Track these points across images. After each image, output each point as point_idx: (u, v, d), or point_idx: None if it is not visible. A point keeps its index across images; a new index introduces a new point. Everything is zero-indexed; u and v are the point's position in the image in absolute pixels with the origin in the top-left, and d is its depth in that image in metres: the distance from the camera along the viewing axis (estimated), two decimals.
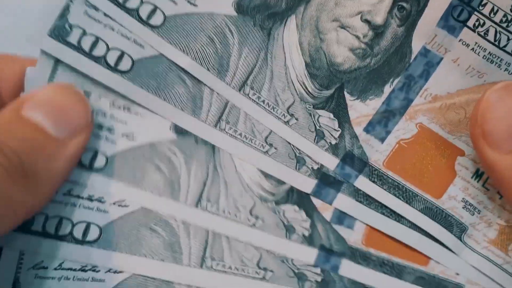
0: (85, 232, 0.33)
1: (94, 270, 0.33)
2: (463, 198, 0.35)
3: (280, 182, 0.34)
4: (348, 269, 0.34)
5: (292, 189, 0.35)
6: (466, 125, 0.35)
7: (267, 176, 0.34)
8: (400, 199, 0.34)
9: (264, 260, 0.34)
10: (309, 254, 0.34)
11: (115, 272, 0.33)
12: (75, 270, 0.33)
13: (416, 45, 0.36)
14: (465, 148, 0.35)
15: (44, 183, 0.30)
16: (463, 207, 0.35)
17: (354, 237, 0.34)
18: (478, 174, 0.35)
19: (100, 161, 0.33)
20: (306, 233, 0.34)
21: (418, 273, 0.34)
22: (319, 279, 0.34)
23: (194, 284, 0.33)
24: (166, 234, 0.33)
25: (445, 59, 0.35)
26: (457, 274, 0.34)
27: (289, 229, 0.34)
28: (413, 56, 0.36)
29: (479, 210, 0.35)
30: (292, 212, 0.34)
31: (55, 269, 0.33)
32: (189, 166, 0.34)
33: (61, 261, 0.33)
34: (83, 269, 0.33)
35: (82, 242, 0.33)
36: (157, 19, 0.34)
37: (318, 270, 0.34)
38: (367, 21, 0.35)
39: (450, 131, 0.35)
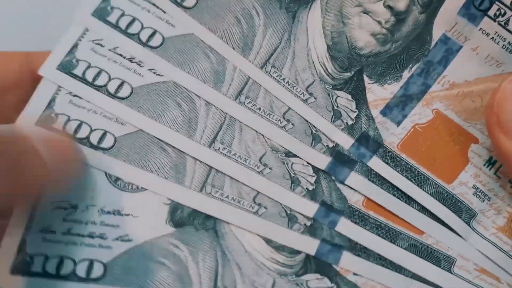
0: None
1: (101, 237, 0.34)
2: (474, 185, 0.35)
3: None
4: (345, 227, 0.34)
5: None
6: (482, 113, 0.36)
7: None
8: (412, 181, 0.35)
9: (260, 197, 0.35)
10: (310, 208, 0.35)
11: (122, 240, 0.34)
12: (82, 236, 0.34)
13: (437, 33, 0.36)
14: (479, 136, 0.36)
15: (28, 180, 0.30)
16: (473, 194, 0.35)
17: (355, 198, 0.35)
18: (490, 162, 0.36)
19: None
20: (310, 187, 0.35)
21: (411, 241, 0.34)
22: (308, 223, 0.34)
23: None
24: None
25: (464, 47, 0.36)
26: (449, 247, 0.35)
27: (294, 181, 0.35)
28: (433, 43, 0.36)
29: (490, 197, 0.35)
30: (300, 166, 0.35)
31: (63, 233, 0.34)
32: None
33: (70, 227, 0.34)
34: (90, 236, 0.34)
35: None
36: (189, 1, 0.36)
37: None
38: (389, 7, 0.36)
39: (465, 119, 0.36)
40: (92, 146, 0.34)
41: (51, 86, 0.35)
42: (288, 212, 0.34)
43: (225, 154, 0.34)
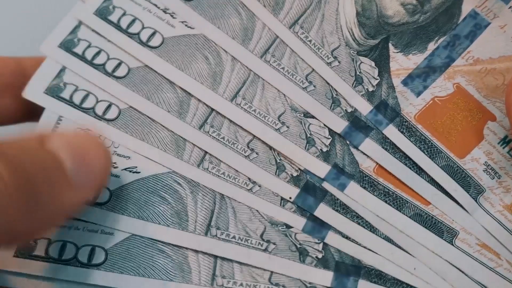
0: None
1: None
2: (485, 162, 0.36)
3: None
4: (354, 190, 0.35)
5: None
6: (502, 91, 0.36)
7: None
8: (424, 153, 0.36)
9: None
10: (322, 169, 0.36)
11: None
12: None
13: (466, 7, 0.37)
14: (497, 113, 0.36)
15: (47, 214, 0.28)
16: (483, 170, 0.36)
17: (367, 163, 0.36)
18: (505, 141, 0.36)
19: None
20: (324, 149, 0.36)
21: (417, 210, 0.35)
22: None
23: None
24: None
25: (492, 24, 0.36)
26: (453, 220, 0.36)
27: (309, 141, 0.36)
28: (461, 18, 0.37)
29: (500, 175, 0.36)
30: (317, 127, 0.36)
31: None
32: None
33: None
34: None
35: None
36: None
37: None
38: None
39: (485, 95, 0.36)
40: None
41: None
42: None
43: (246, 110, 0.36)
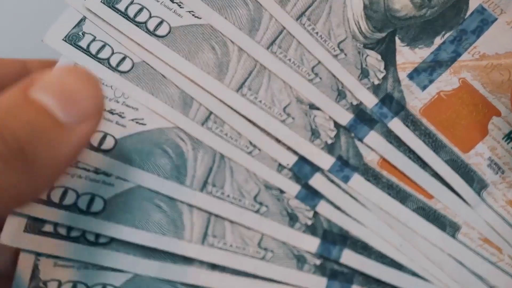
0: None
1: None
2: (489, 157, 0.36)
3: None
4: (358, 183, 0.35)
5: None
6: (508, 87, 0.36)
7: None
8: (429, 146, 0.36)
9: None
10: (326, 161, 0.36)
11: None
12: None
13: (473, 3, 0.37)
14: (502, 109, 0.36)
15: (45, 170, 0.28)
16: (487, 165, 0.36)
17: (371, 156, 0.36)
18: (509, 137, 0.36)
19: (108, 143, 0.35)
20: (329, 141, 0.36)
21: (420, 204, 0.36)
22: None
23: None
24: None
25: (499, 19, 0.37)
26: (456, 214, 0.36)
27: (314, 133, 0.36)
28: (468, 13, 0.37)
29: (503, 171, 0.36)
30: (322, 119, 0.36)
31: None
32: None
33: None
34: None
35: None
36: None
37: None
38: None
39: (491, 91, 0.36)
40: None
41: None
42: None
43: (251, 101, 0.36)
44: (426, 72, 0.37)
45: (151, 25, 0.36)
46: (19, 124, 0.27)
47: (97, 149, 0.35)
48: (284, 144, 0.36)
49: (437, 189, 0.36)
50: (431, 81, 0.37)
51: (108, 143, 0.35)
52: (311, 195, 0.35)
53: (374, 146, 0.36)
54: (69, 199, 0.34)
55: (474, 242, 0.35)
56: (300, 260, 0.35)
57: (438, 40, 0.37)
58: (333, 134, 0.36)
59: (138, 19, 0.36)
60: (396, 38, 0.37)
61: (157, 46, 0.36)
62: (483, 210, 0.36)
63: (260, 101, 0.36)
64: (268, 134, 0.36)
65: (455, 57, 0.37)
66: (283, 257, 0.35)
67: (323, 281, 0.35)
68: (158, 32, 0.36)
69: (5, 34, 0.49)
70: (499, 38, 0.37)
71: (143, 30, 0.36)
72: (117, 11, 0.36)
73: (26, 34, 0.42)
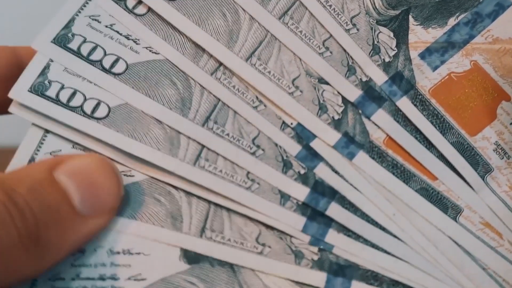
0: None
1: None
2: (496, 141, 0.36)
3: None
4: (362, 160, 0.35)
5: None
6: None
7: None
8: (436, 127, 0.36)
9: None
10: (332, 136, 0.35)
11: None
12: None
13: None
14: None
15: (52, 255, 0.29)
16: (493, 150, 0.36)
17: (377, 134, 0.36)
18: None
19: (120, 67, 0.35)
20: (336, 117, 0.36)
21: (424, 184, 0.35)
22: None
23: None
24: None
25: None
26: (459, 197, 0.36)
27: (322, 108, 0.36)
28: None
29: (509, 156, 0.36)
30: (330, 94, 0.36)
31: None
32: None
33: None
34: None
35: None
36: None
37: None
38: None
39: (502, 75, 0.36)
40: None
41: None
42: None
43: (260, 71, 0.35)
44: (438, 52, 0.36)
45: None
46: (40, 206, 0.27)
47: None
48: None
49: (442, 171, 0.35)
50: (442, 62, 0.36)
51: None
52: (310, 156, 0.35)
53: (381, 124, 0.36)
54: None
55: (475, 226, 0.35)
56: (298, 255, 0.34)
57: (452, 21, 0.37)
58: (340, 109, 0.36)
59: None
60: (410, 17, 0.37)
61: (168, 10, 0.35)
62: (486, 195, 0.35)
63: (269, 72, 0.35)
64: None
65: (468, 39, 0.36)
66: (281, 253, 0.34)
67: (323, 276, 0.34)
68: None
69: None
70: None
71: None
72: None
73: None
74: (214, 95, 0.35)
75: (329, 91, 0.36)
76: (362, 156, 0.35)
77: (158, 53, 0.36)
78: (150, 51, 0.36)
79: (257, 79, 0.35)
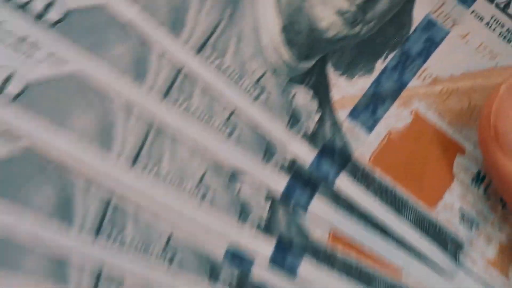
0: None
1: None
2: (460, 208, 0.29)
3: None
4: (308, 270, 0.27)
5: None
6: (469, 116, 0.29)
7: None
8: (389, 205, 0.28)
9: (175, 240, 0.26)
10: (264, 249, 0.27)
11: None
12: None
13: (418, 14, 0.29)
14: (466, 144, 0.29)
15: None
16: (460, 219, 0.29)
17: (320, 231, 0.27)
18: (479, 178, 0.29)
19: None
20: (262, 224, 0.27)
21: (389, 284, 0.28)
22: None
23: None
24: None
25: (451, 33, 0.29)
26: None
27: (244, 210, 0.27)
28: (413, 27, 0.29)
29: (478, 223, 0.29)
30: (250, 190, 0.27)
31: None
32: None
33: None
34: None
35: None
36: None
37: (266, 207, 0.27)
38: None
39: (449, 122, 0.29)
40: None
41: None
42: None
43: (152, 180, 0.26)
44: (369, 107, 0.29)
45: None
46: None
47: None
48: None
49: (405, 259, 0.28)
50: (377, 119, 0.29)
51: None
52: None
53: (321, 215, 0.27)
54: None
55: None
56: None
57: (380, 64, 0.29)
58: (266, 208, 0.27)
59: None
60: (329, 66, 0.29)
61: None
62: (462, 279, 0.28)
63: (166, 177, 0.26)
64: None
65: (402, 84, 0.29)
66: None
67: None
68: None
69: None
70: (453, 57, 0.29)
71: None
72: None
73: None
74: None
75: (248, 186, 0.27)
76: (306, 265, 0.27)
77: None
78: None
79: (151, 188, 0.26)
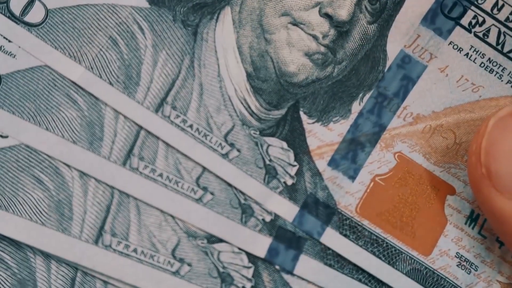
0: None
1: None
2: (457, 253, 0.27)
3: None
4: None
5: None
6: (456, 153, 0.27)
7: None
8: (381, 258, 0.26)
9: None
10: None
11: None
12: None
13: (392, 49, 0.28)
14: (455, 183, 0.27)
15: None
16: (457, 265, 0.27)
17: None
18: (473, 218, 0.27)
19: None
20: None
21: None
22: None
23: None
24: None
25: (429, 67, 0.28)
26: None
27: (224, 280, 0.25)
28: (388, 64, 0.28)
29: (476, 266, 0.27)
30: (229, 256, 0.25)
31: None
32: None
33: None
34: None
35: None
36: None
37: (249, 273, 0.25)
38: (327, 16, 0.27)
39: (436, 162, 0.27)
40: None
41: None
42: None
43: (120, 251, 0.23)
44: (349, 153, 0.26)
45: None
46: None
47: None
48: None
49: None
50: (359, 166, 0.27)
51: None
52: None
53: (309, 276, 0.25)
54: None
55: None
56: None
57: (356, 107, 0.27)
58: (250, 273, 0.24)
59: None
60: (301, 113, 0.27)
61: None
62: None
63: (135, 251, 0.23)
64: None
65: (382, 125, 0.27)
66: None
67: None
68: None
69: None
70: (433, 92, 0.27)
71: None
72: None
73: None
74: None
75: (227, 253, 0.24)
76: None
77: None
78: None
79: (115, 263, 0.23)
